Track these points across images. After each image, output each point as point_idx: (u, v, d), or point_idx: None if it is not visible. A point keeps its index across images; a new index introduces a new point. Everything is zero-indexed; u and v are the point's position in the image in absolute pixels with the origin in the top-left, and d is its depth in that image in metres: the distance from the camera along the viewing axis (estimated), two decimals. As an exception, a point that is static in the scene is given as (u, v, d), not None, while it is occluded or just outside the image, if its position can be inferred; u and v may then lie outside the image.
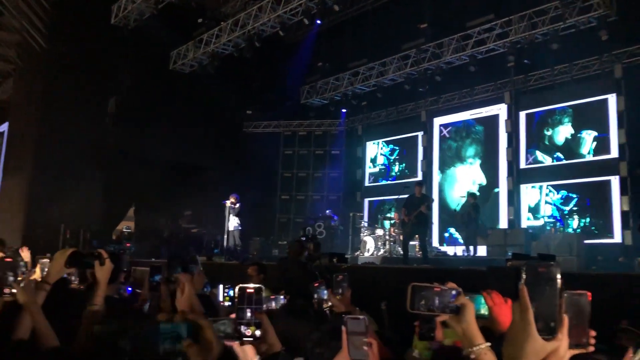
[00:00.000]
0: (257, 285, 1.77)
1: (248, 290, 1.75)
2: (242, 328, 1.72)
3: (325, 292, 3.49)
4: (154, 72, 15.81)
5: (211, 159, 17.41)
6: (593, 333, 1.33)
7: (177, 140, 16.30)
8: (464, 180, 16.01)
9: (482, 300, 1.92)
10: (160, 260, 11.72)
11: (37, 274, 4.26)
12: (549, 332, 1.24)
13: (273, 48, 15.63)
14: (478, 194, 14.60)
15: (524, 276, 1.26)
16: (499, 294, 1.83)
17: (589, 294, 1.32)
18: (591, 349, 1.33)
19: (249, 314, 1.74)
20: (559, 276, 1.26)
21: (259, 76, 17.17)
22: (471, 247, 12.68)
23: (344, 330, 2.10)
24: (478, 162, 15.86)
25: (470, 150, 16.07)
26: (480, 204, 14.41)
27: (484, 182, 15.58)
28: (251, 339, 1.73)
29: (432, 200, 11.03)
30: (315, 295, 3.49)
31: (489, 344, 1.53)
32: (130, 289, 4.19)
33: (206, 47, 15.43)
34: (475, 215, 12.74)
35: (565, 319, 1.28)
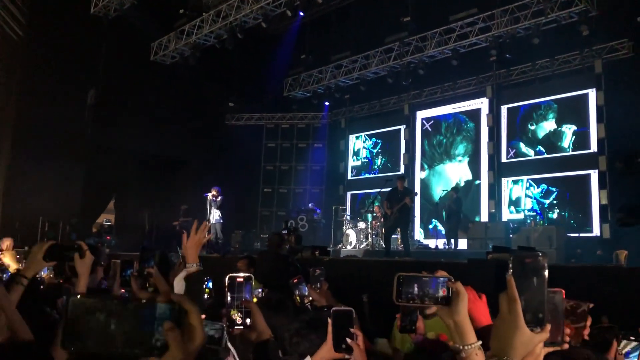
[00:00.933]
0: (247, 275, 1.79)
1: (238, 280, 1.77)
2: (233, 316, 1.74)
3: (306, 288, 3.48)
4: (135, 63, 15.61)
5: (193, 151, 17.29)
6: (568, 331, 1.32)
7: (158, 132, 16.14)
8: (452, 177, 16.05)
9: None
10: (133, 254, 11.63)
11: (12, 266, 4.20)
12: (537, 323, 1.21)
13: (255, 40, 15.52)
14: (461, 185, 14.71)
15: (511, 267, 1.23)
16: (472, 290, 1.75)
17: (563, 291, 1.31)
18: (566, 346, 1.31)
19: (238, 303, 1.75)
20: (546, 267, 1.25)
21: (241, 68, 17.04)
22: (452, 240, 12.79)
23: (329, 322, 2.09)
24: (467, 159, 15.91)
25: (460, 148, 16.10)
26: (462, 197, 14.53)
27: (470, 178, 15.66)
28: (241, 327, 1.74)
29: (416, 194, 11.08)
30: (297, 292, 3.47)
31: (480, 342, 1.40)
32: (106, 283, 4.12)
33: (188, 38, 15.27)
34: (455, 208, 12.86)
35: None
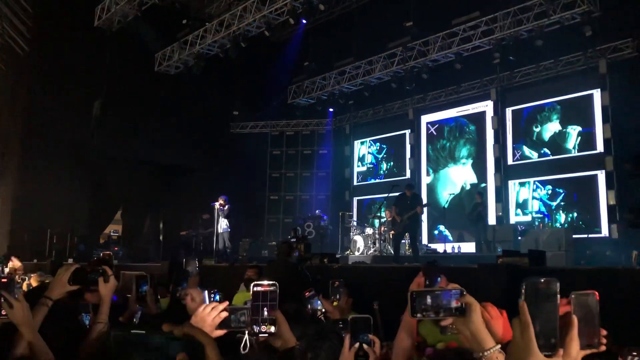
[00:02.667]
0: (272, 282, 1.80)
1: (263, 288, 1.78)
2: (258, 325, 1.77)
3: (319, 302, 3.48)
4: (139, 74, 15.70)
5: (198, 160, 17.34)
6: (604, 332, 1.32)
7: (163, 142, 16.21)
8: (456, 180, 16.03)
9: None
10: (150, 264, 11.65)
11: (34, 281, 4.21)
12: (549, 348, 1.23)
13: (259, 48, 15.57)
14: (467, 188, 14.71)
15: (523, 293, 1.25)
16: (494, 307, 1.78)
17: (597, 293, 1.31)
18: (603, 348, 1.32)
19: (264, 312, 1.78)
20: (558, 292, 1.26)
21: (245, 76, 17.11)
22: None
23: (347, 330, 2.14)
24: (470, 162, 15.90)
25: (464, 151, 16.09)
26: (468, 200, 14.54)
27: (475, 181, 15.63)
28: (266, 335, 1.79)
29: (428, 205, 11.19)
30: (309, 305, 3.48)
31: (499, 345, 1.46)
32: (115, 297, 4.12)
33: (191, 48, 15.34)
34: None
35: (575, 321, 1.27)
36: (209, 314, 1.76)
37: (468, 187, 15.60)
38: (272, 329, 1.78)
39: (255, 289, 1.81)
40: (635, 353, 2.00)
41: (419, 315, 1.49)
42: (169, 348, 0.98)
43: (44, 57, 15.13)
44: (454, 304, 1.47)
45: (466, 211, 14.37)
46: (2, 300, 2.10)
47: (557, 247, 10.27)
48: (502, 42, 12.94)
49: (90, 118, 15.41)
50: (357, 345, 2.20)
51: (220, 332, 1.78)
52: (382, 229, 13.58)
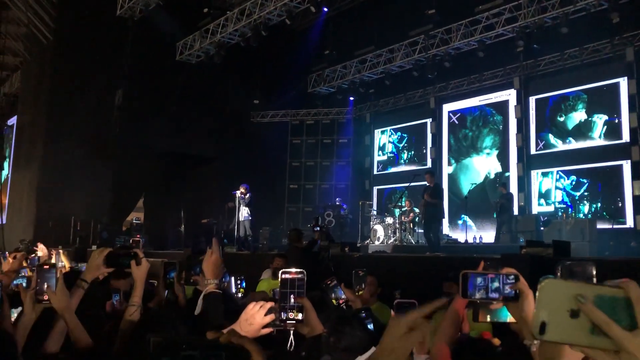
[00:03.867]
0: (300, 270, 1.81)
1: (291, 276, 1.79)
2: (285, 312, 1.78)
3: (341, 290, 3.49)
4: (161, 63, 15.80)
5: (219, 149, 17.44)
6: None
7: (185, 130, 16.32)
8: (481, 170, 15.88)
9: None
10: (176, 252, 11.77)
11: (66, 265, 4.28)
12: None
13: (280, 37, 15.54)
14: (491, 177, 14.58)
15: (559, 276, 1.23)
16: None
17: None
18: None
19: (292, 299, 1.79)
20: (594, 275, 1.23)
21: (266, 65, 17.11)
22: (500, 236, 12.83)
23: (392, 315, 2.15)
24: (495, 152, 15.70)
25: (488, 141, 15.89)
26: (492, 189, 14.39)
27: (500, 170, 15.47)
28: (294, 322, 1.79)
29: (437, 190, 10.89)
30: (332, 294, 3.49)
31: None
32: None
33: (212, 37, 15.37)
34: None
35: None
36: (259, 312, 1.76)
37: (492, 176, 15.44)
38: (300, 316, 1.79)
39: (283, 276, 1.82)
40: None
41: (470, 297, 1.47)
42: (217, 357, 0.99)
43: (67, 46, 15.30)
44: (507, 289, 1.45)
45: (491, 202, 14.25)
46: (45, 287, 2.15)
47: (581, 237, 10.15)
48: (526, 30, 12.73)
49: (113, 107, 15.56)
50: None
51: (267, 331, 1.79)
52: (403, 218, 13.54)
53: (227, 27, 14.94)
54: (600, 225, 12.01)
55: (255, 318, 1.75)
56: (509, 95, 15.38)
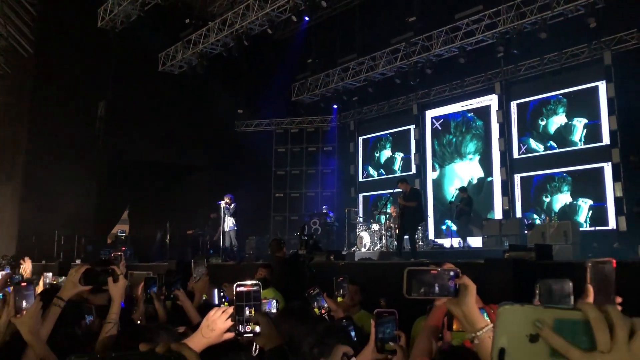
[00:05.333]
0: (255, 282, 1.80)
1: (246, 288, 1.77)
2: (242, 325, 1.76)
3: (324, 299, 3.48)
4: (143, 75, 15.75)
5: (204, 159, 17.40)
6: (619, 299, 1.31)
7: (168, 141, 16.27)
8: (463, 175, 15.99)
9: (485, 315, 1.85)
10: (157, 264, 11.68)
11: (39, 287, 4.24)
12: None
13: (262, 46, 15.59)
14: (474, 182, 14.65)
15: (537, 293, 1.25)
16: (480, 300, 1.78)
17: (614, 261, 1.31)
18: None
19: (247, 311, 1.77)
20: (572, 293, 1.26)
21: (249, 75, 17.12)
22: (461, 240, 12.93)
23: (372, 324, 2.18)
24: (477, 157, 15.84)
25: (471, 147, 16.02)
26: (474, 194, 14.47)
27: (482, 175, 15.60)
28: (251, 334, 1.77)
29: (413, 193, 10.90)
30: (315, 303, 3.49)
31: (491, 325, 1.45)
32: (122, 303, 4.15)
33: (195, 48, 15.36)
34: (466, 208, 12.93)
35: (590, 290, 1.27)
36: (220, 317, 1.77)
37: (475, 181, 15.56)
38: (257, 328, 1.77)
39: (238, 289, 1.80)
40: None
41: (413, 294, 1.48)
42: None
43: (47, 59, 15.21)
44: (448, 285, 1.47)
45: (451, 206, 14.27)
46: (24, 305, 2.13)
47: (564, 240, 10.24)
48: (506, 35, 12.88)
49: (95, 119, 15.47)
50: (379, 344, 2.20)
51: (230, 335, 1.79)
52: (389, 224, 13.58)
53: (209, 37, 14.95)
54: (583, 228, 12.17)
55: (217, 323, 1.75)
56: (491, 101, 15.53)
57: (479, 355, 1.47)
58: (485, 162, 15.53)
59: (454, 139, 16.44)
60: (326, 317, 3.42)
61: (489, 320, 1.45)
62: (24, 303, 2.18)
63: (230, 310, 1.79)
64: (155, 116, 15.84)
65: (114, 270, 2.36)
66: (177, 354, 1.06)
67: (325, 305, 3.46)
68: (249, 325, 1.76)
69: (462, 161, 16.15)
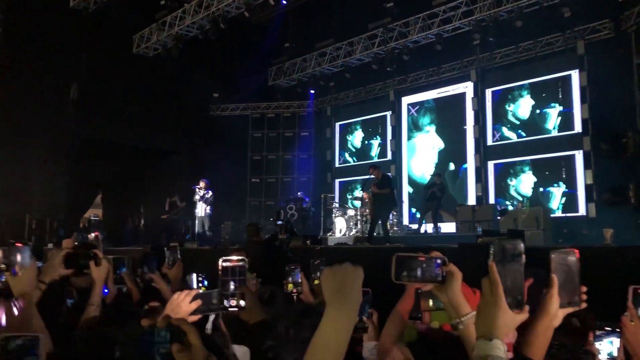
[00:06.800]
0: (240, 257, 1.82)
1: (232, 263, 1.80)
2: (227, 300, 1.78)
3: (299, 276, 3.50)
4: (117, 57, 15.45)
5: (179, 143, 17.22)
6: (584, 289, 1.35)
7: (143, 125, 16.04)
8: (423, 148, 16.35)
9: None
10: (135, 248, 11.59)
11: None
12: (517, 305, 1.29)
13: (239, 29, 15.40)
14: (450, 169, 14.82)
15: (492, 254, 1.29)
16: (467, 286, 1.83)
17: (577, 251, 1.35)
18: (584, 305, 1.35)
19: (232, 286, 1.79)
20: (523, 252, 1.30)
21: (225, 58, 16.93)
22: (423, 225, 13.30)
23: None
24: (433, 128, 16.31)
25: (425, 119, 16.52)
26: (451, 180, 14.65)
27: (442, 146, 15.95)
28: (236, 309, 1.79)
29: (385, 180, 10.98)
30: (290, 278, 3.50)
31: (474, 312, 1.50)
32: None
33: (170, 30, 15.12)
34: (440, 194, 13.05)
35: (555, 280, 1.31)
36: (183, 300, 1.78)
37: (437, 155, 15.87)
38: (242, 303, 1.79)
39: (223, 264, 1.82)
40: (607, 327, 2.07)
41: (401, 280, 1.54)
42: (153, 340, 1.03)
43: (18, 40, 14.79)
44: (435, 272, 1.53)
45: (423, 189, 14.40)
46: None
47: (536, 226, 10.43)
48: (482, 23, 12.97)
49: (68, 101, 15.17)
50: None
51: (195, 318, 1.80)
52: (363, 210, 13.66)
53: (185, 19, 14.73)
54: (554, 214, 12.42)
55: (181, 307, 1.76)
56: (466, 88, 15.65)
57: (463, 341, 1.51)
58: (459, 148, 15.65)
59: (410, 117, 16.85)
60: (295, 297, 3.44)
61: (471, 309, 1.50)
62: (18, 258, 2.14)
63: (194, 292, 1.80)
64: (130, 99, 15.59)
65: (96, 254, 2.35)
66: (178, 327, 1.10)
67: (299, 280, 3.48)
68: (234, 299, 1.77)
69: (421, 133, 16.58)
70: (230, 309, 1.79)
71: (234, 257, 1.82)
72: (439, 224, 13.20)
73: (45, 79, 14.61)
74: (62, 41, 14.58)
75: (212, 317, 2.02)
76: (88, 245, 2.44)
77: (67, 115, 15.11)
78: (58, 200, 14.88)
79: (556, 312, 1.32)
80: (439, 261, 1.54)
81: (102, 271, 2.37)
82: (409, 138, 16.98)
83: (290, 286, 3.50)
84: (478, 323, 1.32)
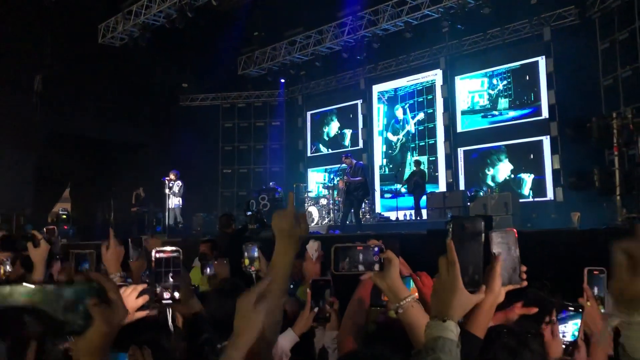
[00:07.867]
0: (175, 248, 1.78)
1: (166, 255, 1.76)
2: (161, 291, 1.74)
3: (256, 250, 3.52)
4: (82, 47, 15.11)
5: (148, 135, 16.99)
6: (524, 268, 1.37)
7: (110, 116, 15.80)
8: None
9: (411, 282, 1.90)
10: (101, 242, 11.40)
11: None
12: (473, 284, 1.29)
13: (206, 18, 15.17)
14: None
15: (450, 232, 1.29)
16: (428, 276, 1.84)
17: (515, 230, 1.36)
18: (524, 284, 1.37)
19: (168, 278, 1.75)
20: (482, 231, 1.30)
21: (193, 48, 16.70)
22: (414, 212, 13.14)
23: (308, 292, 2.44)
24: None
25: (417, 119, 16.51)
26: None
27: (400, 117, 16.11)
28: (170, 301, 1.76)
29: (359, 168, 11.08)
30: (246, 254, 3.52)
31: (415, 295, 1.56)
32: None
33: (136, 19, 14.83)
34: (422, 182, 13.13)
35: (498, 259, 1.32)
36: (129, 295, 1.75)
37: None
38: (177, 294, 1.76)
39: (157, 255, 1.77)
40: (571, 308, 2.11)
41: (340, 270, 1.56)
42: (77, 295, 1.03)
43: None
44: (373, 260, 1.55)
45: (404, 179, 14.47)
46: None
47: (505, 211, 10.57)
48: (450, 10, 13.03)
49: (32, 93, 14.81)
50: (316, 309, 2.38)
51: (142, 314, 1.77)
52: (337, 198, 13.68)
53: (151, 8, 14.46)
54: (523, 199, 12.61)
55: (127, 302, 1.73)
56: (436, 75, 15.74)
57: (404, 324, 1.53)
58: (429, 135, 15.77)
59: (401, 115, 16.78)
60: (254, 275, 3.45)
61: (413, 290, 1.52)
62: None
63: (140, 287, 1.77)
64: (97, 90, 15.31)
65: (33, 234, 2.32)
66: (97, 283, 1.10)
67: (256, 255, 3.49)
68: (168, 291, 1.74)
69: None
70: (164, 301, 1.75)
71: (168, 248, 1.78)
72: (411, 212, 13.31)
73: (8, 71, 14.24)
74: (25, 31, 14.22)
75: (169, 313, 1.98)
76: (27, 235, 2.40)
77: (31, 107, 14.76)
78: (25, 195, 14.57)
79: (500, 290, 1.33)
80: (376, 249, 1.56)
81: (40, 252, 2.33)
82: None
83: (246, 261, 3.54)
84: (433, 302, 1.31)
